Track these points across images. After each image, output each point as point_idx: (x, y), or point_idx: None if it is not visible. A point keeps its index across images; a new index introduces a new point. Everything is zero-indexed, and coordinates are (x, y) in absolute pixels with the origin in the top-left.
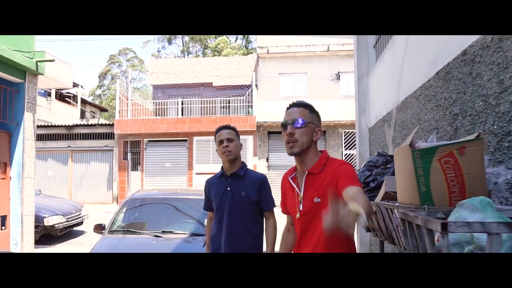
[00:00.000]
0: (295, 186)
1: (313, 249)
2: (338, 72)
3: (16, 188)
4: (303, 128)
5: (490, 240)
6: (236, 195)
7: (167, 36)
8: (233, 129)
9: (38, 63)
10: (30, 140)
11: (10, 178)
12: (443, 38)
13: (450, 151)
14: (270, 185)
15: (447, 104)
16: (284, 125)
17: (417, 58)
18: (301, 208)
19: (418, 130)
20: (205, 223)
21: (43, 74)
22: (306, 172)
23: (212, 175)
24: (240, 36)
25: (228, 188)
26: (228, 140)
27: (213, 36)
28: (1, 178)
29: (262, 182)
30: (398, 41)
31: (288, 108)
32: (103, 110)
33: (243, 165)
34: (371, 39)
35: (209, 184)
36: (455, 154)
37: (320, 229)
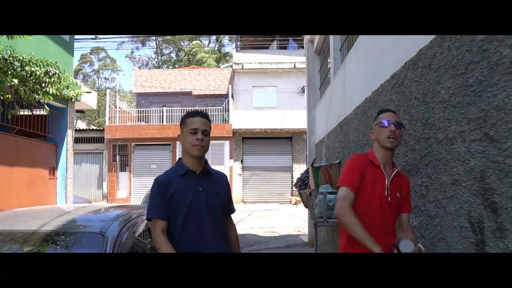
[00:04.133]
0: (385, 173)
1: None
2: (303, 86)
3: (61, 186)
4: (400, 130)
5: (322, 197)
6: (211, 196)
7: (141, 37)
8: (210, 120)
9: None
10: (70, 150)
11: (57, 178)
12: (341, 105)
13: (326, 168)
14: (244, 183)
15: (342, 141)
16: (388, 123)
17: (334, 110)
18: (386, 194)
19: (334, 151)
20: (155, 237)
21: (79, 101)
22: (396, 170)
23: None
24: (213, 39)
25: (200, 188)
26: (203, 132)
27: (187, 38)
28: (51, 179)
29: (227, 181)
30: (327, 95)
31: (382, 112)
32: (78, 111)
33: (206, 160)
34: (318, 82)
35: (168, 183)
36: (328, 169)
37: (394, 218)
